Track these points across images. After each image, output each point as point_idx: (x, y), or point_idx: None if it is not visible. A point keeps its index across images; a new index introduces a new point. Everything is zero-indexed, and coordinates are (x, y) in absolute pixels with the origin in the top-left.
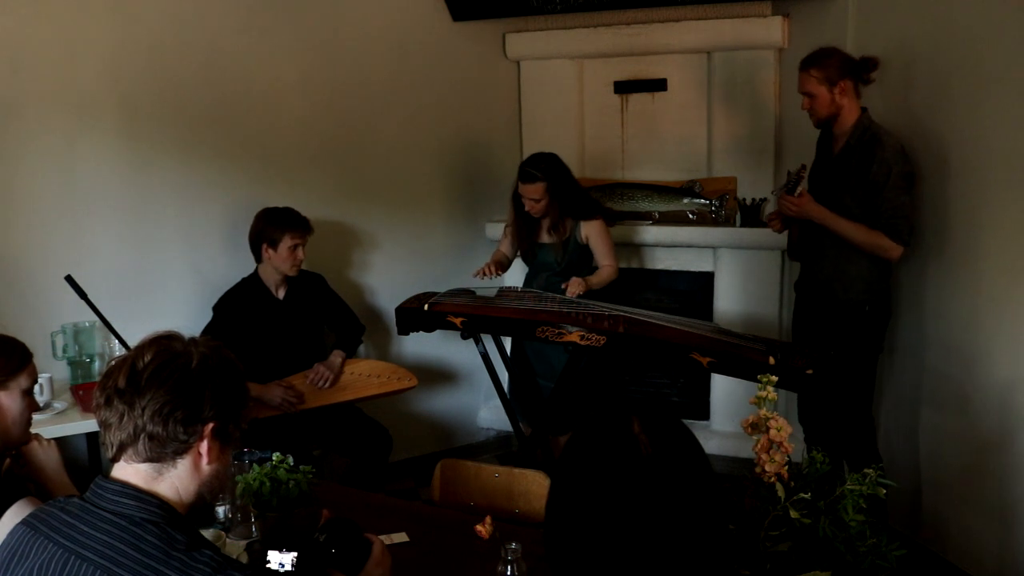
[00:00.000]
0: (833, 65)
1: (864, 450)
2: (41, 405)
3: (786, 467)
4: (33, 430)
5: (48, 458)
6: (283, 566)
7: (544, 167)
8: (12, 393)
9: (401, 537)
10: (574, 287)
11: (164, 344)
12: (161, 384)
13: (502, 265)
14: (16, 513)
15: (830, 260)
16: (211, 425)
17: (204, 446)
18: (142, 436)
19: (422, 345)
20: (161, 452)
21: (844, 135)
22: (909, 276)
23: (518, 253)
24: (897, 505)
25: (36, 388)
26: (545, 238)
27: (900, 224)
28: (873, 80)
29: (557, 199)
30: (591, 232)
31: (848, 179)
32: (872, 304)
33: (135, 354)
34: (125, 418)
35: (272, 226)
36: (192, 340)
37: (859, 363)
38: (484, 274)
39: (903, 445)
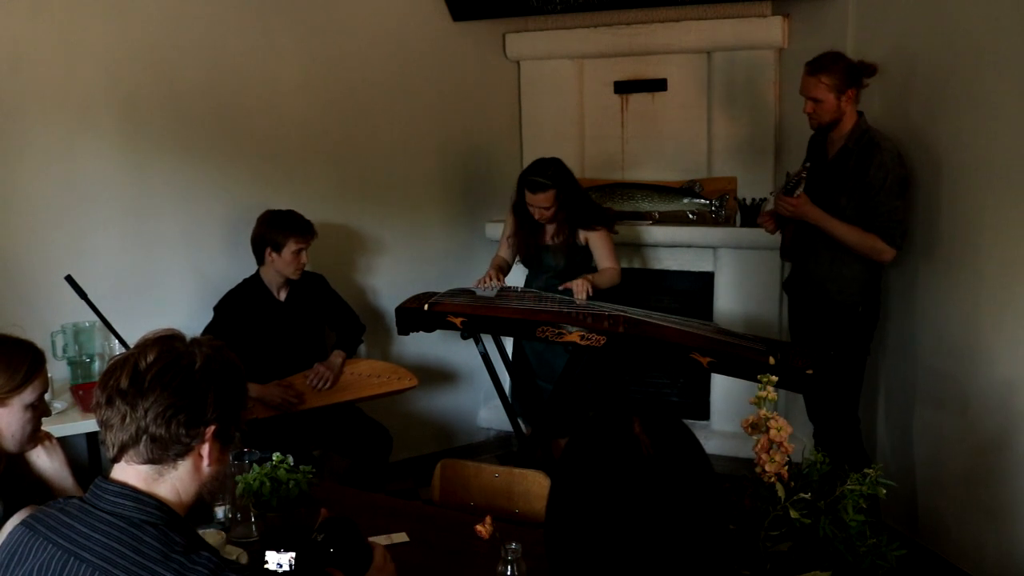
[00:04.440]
0: (841, 72)
1: (849, 449)
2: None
3: (786, 467)
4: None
5: (51, 463)
6: (280, 566)
7: (552, 173)
8: (12, 409)
9: (401, 537)
10: (580, 288)
11: (167, 345)
12: (165, 386)
13: (503, 270)
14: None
15: (824, 261)
16: (213, 427)
17: (205, 448)
18: (144, 438)
19: (422, 345)
20: (163, 454)
21: (842, 138)
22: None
23: (518, 257)
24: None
25: None
26: (548, 240)
27: (894, 228)
28: (867, 85)
29: (566, 205)
30: (591, 235)
31: (845, 181)
32: (865, 305)
33: (137, 354)
34: (127, 419)
35: (276, 230)
36: (195, 340)
37: (849, 363)
38: (486, 283)
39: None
